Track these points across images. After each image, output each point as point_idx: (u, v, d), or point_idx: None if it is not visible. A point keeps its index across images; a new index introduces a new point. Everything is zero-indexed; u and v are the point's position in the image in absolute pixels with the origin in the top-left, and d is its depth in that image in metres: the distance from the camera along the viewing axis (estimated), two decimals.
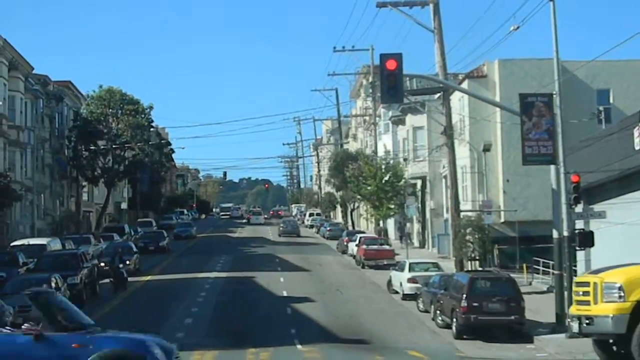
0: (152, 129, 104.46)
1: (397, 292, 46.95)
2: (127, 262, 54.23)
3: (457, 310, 32.89)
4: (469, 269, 48.20)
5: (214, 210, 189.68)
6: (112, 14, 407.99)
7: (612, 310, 18.51)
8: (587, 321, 19.34)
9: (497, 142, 59.60)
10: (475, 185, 61.49)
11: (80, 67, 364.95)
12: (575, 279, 20.70)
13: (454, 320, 33.25)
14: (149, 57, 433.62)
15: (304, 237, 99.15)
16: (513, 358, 29.08)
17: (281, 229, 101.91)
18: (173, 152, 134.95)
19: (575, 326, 19.96)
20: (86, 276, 44.56)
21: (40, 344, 16.71)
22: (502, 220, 59.13)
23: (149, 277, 55.64)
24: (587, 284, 19.47)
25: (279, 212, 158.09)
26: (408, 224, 79.00)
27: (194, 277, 54.72)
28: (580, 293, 19.73)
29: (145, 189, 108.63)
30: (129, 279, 50.27)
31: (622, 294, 18.46)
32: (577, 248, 35.06)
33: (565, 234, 34.63)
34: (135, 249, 61.50)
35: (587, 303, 19.26)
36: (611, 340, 19.06)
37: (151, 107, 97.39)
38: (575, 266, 37.32)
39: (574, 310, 20.13)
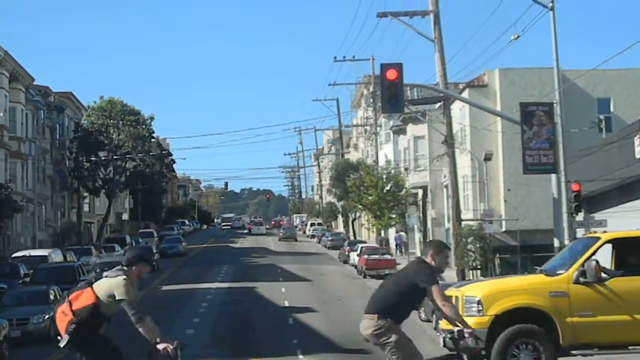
0: (153, 140, 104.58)
1: None
2: None
3: None
4: (471, 278, 48.14)
5: (215, 220, 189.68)
6: (113, 26, 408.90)
7: (471, 324, 18.43)
8: (450, 335, 19.30)
9: (498, 151, 59.57)
10: (477, 195, 61.46)
11: (81, 78, 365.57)
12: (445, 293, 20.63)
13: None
14: (150, 68, 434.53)
15: (301, 242, 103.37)
16: None
17: (281, 234, 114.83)
18: (174, 162, 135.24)
19: (441, 340, 19.93)
20: None
21: None
22: (504, 229, 59.10)
23: (150, 287, 55.53)
24: (450, 298, 19.43)
25: (281, 222, 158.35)
26: (403, 233, 79.06)
27: (196, 287, 54.63)
28: None
29: (146, 200, 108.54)
30: None
31: (481, 308, 18.27)
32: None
33: (567, 242, 34.61)
34: None
35: None
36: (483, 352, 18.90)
37: (152, 118, 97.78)
38: None
39: (442, 324, 20.03)
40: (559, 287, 18.13)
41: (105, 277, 12.25)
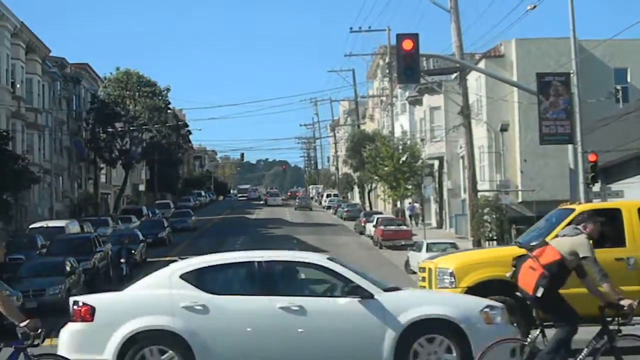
0: (169, 111, 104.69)
1: (414, 273, 46.90)
2: (134, 253, 48.29)
3: None
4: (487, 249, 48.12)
5: (231, 191, 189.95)
6: None
7: None
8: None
9: (515, 122, 59.41)
10: (493, 165, 61.36)
11: (97, 49, 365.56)
12: (419, 265, 20.57)
13: None
14: (166, 39, 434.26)
15: (317, 211, 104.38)
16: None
17: (297, 203, 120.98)
18: (190, 133, 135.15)
19: None
20: (99, 260, 43.77)
21: None
22: (520, 200, 59.02)
23: (167, 258, 55.68)
24: (424, 269, 19.34)
25: (296, 194, 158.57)
26: (417, 204, 78.92)
27: None
28: (421, 279, 19.63)
29: (162, 171, 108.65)
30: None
31: (453, 280, 18.16)
32: None
33: None
34: (141, 237, 55.07)
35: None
36: None
37: (168, 89, 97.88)
38: None
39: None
40: None
41: (564, 236, 12.87)
